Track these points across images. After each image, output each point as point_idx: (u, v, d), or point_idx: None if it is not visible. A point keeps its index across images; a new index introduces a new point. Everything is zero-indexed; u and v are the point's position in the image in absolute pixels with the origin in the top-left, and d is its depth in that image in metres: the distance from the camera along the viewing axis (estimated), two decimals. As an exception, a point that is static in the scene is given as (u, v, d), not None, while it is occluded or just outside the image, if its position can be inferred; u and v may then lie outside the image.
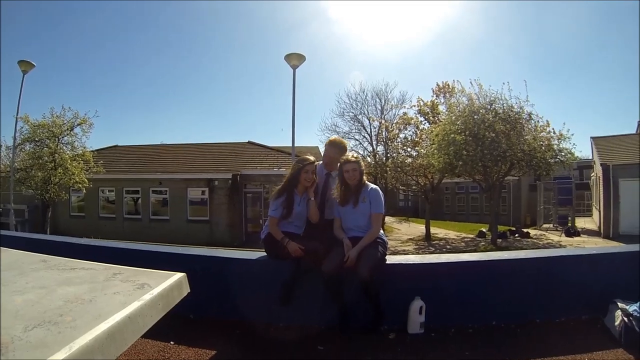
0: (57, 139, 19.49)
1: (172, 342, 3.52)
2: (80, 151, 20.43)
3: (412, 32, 63.25)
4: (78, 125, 20.11)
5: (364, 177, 3.97)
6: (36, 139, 19.29)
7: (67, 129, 19.85)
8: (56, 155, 19.18)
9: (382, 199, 3.95)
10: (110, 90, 75.57)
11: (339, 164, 3.96)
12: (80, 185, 20.09)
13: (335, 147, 4.27)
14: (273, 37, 73.58)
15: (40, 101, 62.07)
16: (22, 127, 19.18)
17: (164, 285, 1.78)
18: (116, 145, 30.01)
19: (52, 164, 19.07)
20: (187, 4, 75.10)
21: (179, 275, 1.93)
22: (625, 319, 3.51)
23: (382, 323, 3.75)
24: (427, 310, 3.72)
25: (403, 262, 4.10)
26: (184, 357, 3.35)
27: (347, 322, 3.76)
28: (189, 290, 1.96)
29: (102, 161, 21.39)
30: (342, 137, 31.10)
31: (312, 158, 4.06)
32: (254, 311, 4.02)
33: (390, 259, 4.02)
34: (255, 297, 4.01)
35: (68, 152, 19.96)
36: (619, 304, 3.69)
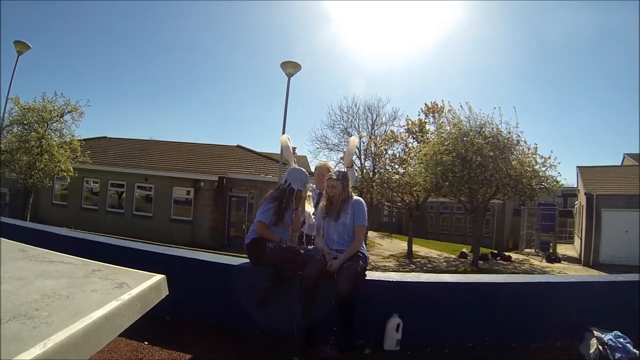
0: (46, 124, 19.20)
1: (146, 343, 3.48)
2: (69, 139, 20.14)
3: (409, 49, 63.81)
4: (68, 112, 19.85)
5: (350, 192, 4.01)
6: (25, 122, 18.96)
7: (57, 115, 19.57)
8: (43, 140, 18.86)
9: (365, 211, 3.99)
10: (104, 81, 75.21)
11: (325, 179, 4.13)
12: (65, 174, 19.82)
13: (324, 170, 4.63)
14: (271, 44, 73.67)
15: (31, 84, 61.26)
16: (11, 109, 18.89)
17: (143, 286, 1.75)
18: (105, 137, 29.61)
19: (39, 149, 18.77)
20: (189, 6, 74.94)
21: (158, 276, 1.91)
22: (600, 347, 3.55)
23: (354, 341, 3.72)
24: (404, 328, 3.72)
25: (383, 279, 4.10)
26: (157, 358, 3.31)
27: (315, 334, 3.75)
28: (168, 293, 1.94)
29: (89, 151, 21.15)
30: (331, 149, 31.32)
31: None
32: (231, 317, 4.01)
33: (370, 275, 4.03)
34: (234, 303, 3.99)
35: (56, 138, 19.66)
36: (594, 332, 3.73)
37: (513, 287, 4.29)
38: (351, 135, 32.29)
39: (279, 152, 15.06)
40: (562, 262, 22.29)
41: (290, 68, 14.49)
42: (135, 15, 72.88)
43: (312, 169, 5.02)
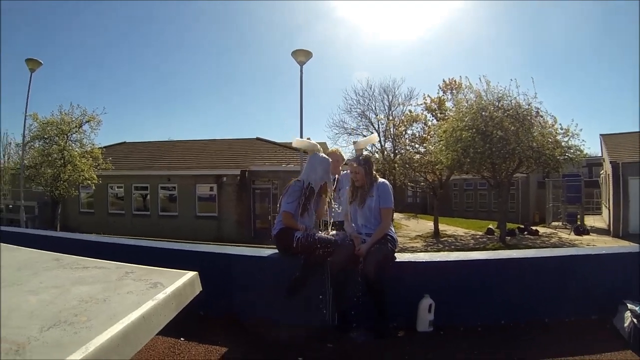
0: (65, 136, 19.62)
1: (182, 339, 3.53)
2: (89, 148, 20.56)
3: (419, 28, 62.98)
4: (86, 122, 20.29)
5: (374, 175, 4.01)
6: (45, 136, 19.42)
7: (76, 126, 19.99)
8: (65, 152, 19.29)
9: (391, 193, 3.99)
10: (118, 88, 76.08)
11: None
12: (89, 182, 20.25)
13: (337, 156, 4.68)
14: (281, 35, 73.37)
15: (48, 99, 62.40)
16: (31, 125, 19.37)
17: (177, 284, 1.78)
18: (124, 142, 30.10)
19: (61, 161, 19.19)
20: (196, 3, 75.14)
21: (191, 274, 1.94)
22: (635, 320, 3.48)
23: (387, 325, 3.74)
24: (436, 308, 3.72)
25: (412, 260, 4.10)
26: (194, 353, 3.37)
27: (348, 320, 3.77)
28: (201, 289, 1.97)
29: (110, 158, 21.49)
30: (350, 134, 31.30)
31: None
32: (263, 308, 4.04)
33: (400, 257, 4.03)
34: (265, 294, 4.02)
35: (77, 149, 20.10)
36: (628, 304, 3.65)
37: (543, 261, 4.23)
38: (368, 119, 32.22)
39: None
40: (590, 234, 21.87)
41: (302, 56, 14.50)
42: (143, 15, 73.24)
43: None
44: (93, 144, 20.90)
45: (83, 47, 70.69)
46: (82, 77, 74.14)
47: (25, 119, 18.28)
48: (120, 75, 76.92)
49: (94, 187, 21.05)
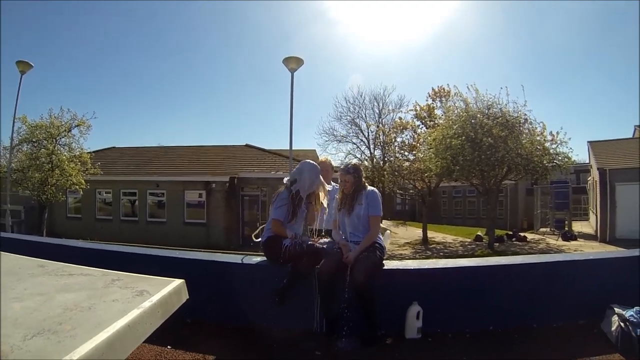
0: (54, 140, 19.45)
1: (169, 347, 3.50)
2: (78, 152, 20.39)
3: (412, 35, 63.19)
4: (76, 126, 20.11)
5: (363, 183, 4.01)
6: (34, 139, 19.22)
7: (65, 130, 19.82)
8: (53, 156, 19.12)
9: (379, 201, 3.99)
10: (108, 92, 75.54)
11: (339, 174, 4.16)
12: (77, 187, 20.07)
13: (327, 166, 4.74)
14: (272, 40, 73.53)
15: (38, 102, 61.96)
16: (19, 128, 19.14)
17: (163, 292, 1.77)
18: (113, 147, 29.89)
19: (50, 165, 19.01)
20: (185, 5, 75.02)
21: (178, 281, 1.92)
22: (622, 324, 3.52)
23: (376, 333, 3.73)
24: (424, 315, 3.72)
25: (401, 268, 4.12)
26: (181, 361, 3.34)
27: (336, 327, 3.77)
28: (188, 297, 1.96)
29: (99, 163, 21.33)
30: (340, 141, 31.45)
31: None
32: (251, 315, 4.02)
33: (388, 264, 4.04)
34: (253, 301, 4.01)
35: (65, 153, 19.91)
36: (615, 309, 3.70)
37: (531, 267, 4.26)
38: (358, 126, 32.38)
39: (289, 149, 15.19)
40: (578, 239, 22.06)
41: (293, 63, 14.49)
42: (133, 19, 72.96)
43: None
44: (82, 149, 20.77)
45: (74, 50, 70.26)
46: (73, 81, 73.72)
47: (14, 122, 18.11)
48: (111, 80, 76.50)
49: (81, 192, 20.93)
